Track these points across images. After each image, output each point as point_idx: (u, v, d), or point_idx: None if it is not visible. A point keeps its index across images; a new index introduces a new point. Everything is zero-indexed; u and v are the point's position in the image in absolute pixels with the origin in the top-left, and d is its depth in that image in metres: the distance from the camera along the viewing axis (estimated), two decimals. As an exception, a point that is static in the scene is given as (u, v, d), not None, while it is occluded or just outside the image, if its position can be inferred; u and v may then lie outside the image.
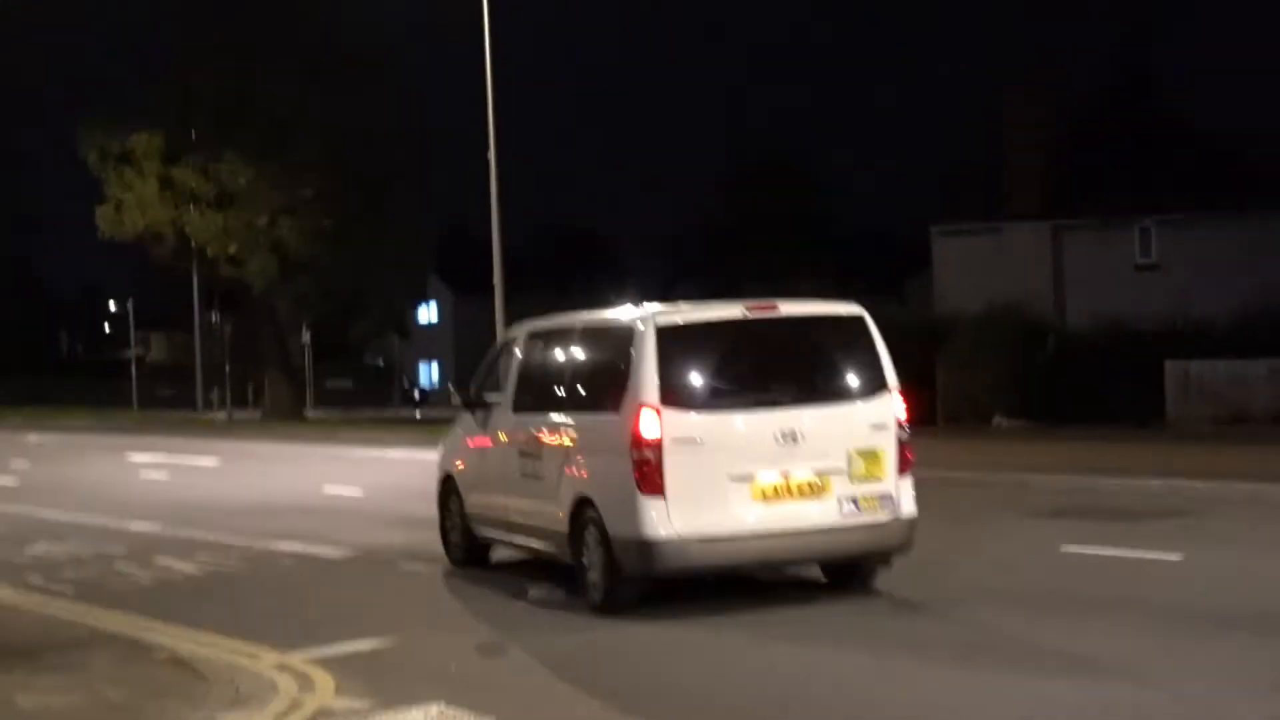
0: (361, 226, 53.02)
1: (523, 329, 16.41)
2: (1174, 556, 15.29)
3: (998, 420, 37.26)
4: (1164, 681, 10.14)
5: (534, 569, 15.45)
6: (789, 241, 66.27)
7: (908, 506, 13.61)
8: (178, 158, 53.70)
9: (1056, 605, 13.07)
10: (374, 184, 53.06)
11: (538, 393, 15.21)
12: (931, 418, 38.58)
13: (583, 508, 13.68)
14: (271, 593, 15.98)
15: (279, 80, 52.32)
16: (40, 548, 19.70)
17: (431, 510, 17.38)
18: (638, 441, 12.93)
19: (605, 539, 13.30)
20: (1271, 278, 40.06)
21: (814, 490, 13.19)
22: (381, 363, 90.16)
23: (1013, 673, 10.62)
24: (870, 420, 13.47)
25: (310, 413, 61.86)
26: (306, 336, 70.33)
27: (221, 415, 66.26)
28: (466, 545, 16.59)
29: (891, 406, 13.57)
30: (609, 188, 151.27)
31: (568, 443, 14.21)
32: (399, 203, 53.96)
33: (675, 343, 13.30)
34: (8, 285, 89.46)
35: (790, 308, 14.07)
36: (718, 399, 13.38)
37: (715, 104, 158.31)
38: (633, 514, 12.95)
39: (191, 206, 53.95)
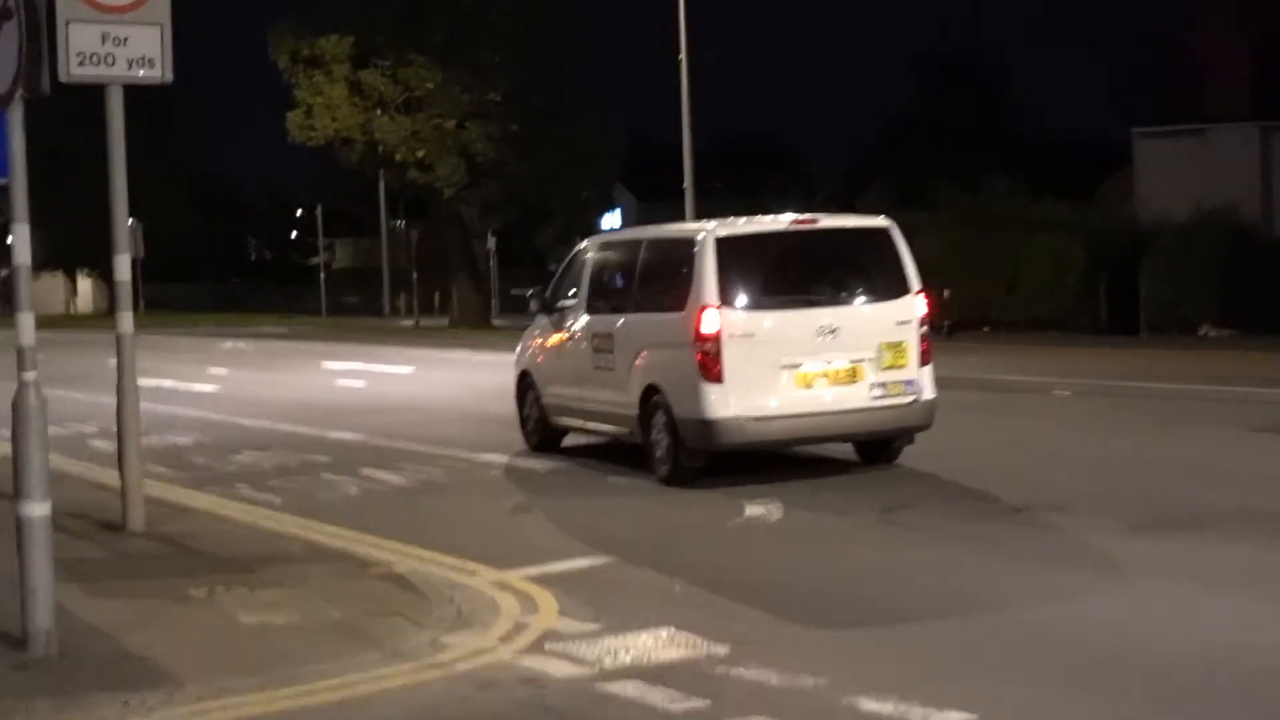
0: (548, 131, 52.78)
1: (594, 241, 18.75)
2: None
3: (1205, 330, 36.12)
4: None
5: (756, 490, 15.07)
6: (979, 144, 64.86)
7: (928, 391, 15.72)
8: (366, 61, 53.78)
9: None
10: (560, 87, 52.75)
11: (608, 296, 17.52)
12: (1134, 327, 37.55)
13: (651, 394, 15.88)
14: (481, 505, 15.70)
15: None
16: (246, 456, 19.69)
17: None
18: (700, 336, 15.15)
19: (671, 420, 15.52)
20: None
21: (849, 377, 15.41)
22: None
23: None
24: (896, 318, 15.65)
25: (496, 320, 61.92)
26: (492, 242, 70.37)
27: (409, 322, 66.69)
28: (542, 432, 18.72)
29: (914, 306, 15.72)
30: (795, 90, 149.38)
31: (637, 338, 16.33)
32: (585, 107, 53.60)
33: (731, 252, 15.43)
34: (198, 192, 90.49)
35: (828, 221, 16.77)
36: (768, 299, 15.63)
37: (906, 2, 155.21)
38: (696, 398, 15.17)
39: (380, 110, 54.09)
